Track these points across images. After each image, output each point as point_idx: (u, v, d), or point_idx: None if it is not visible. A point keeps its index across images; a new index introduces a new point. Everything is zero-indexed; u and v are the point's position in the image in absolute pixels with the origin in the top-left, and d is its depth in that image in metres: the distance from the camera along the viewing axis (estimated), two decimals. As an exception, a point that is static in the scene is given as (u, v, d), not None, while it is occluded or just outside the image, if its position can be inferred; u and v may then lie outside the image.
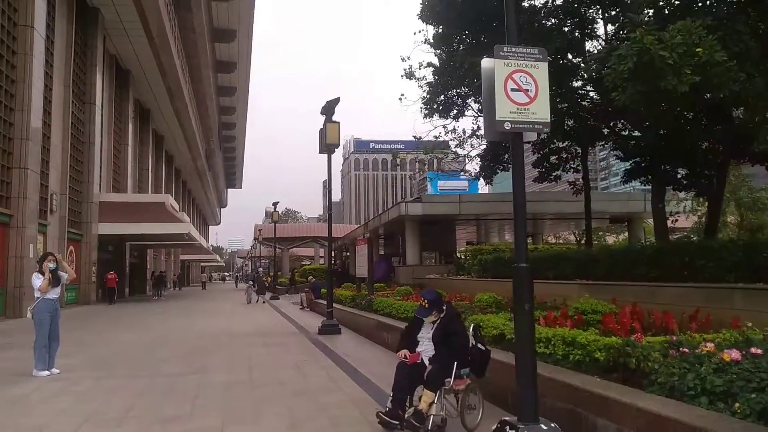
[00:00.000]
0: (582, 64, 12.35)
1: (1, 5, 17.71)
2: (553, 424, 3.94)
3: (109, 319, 18.56)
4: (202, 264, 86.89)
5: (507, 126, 4.24)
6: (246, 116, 68.18)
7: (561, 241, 46.61)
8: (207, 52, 42.58)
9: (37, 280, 7.82)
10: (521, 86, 4.32)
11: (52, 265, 7.89)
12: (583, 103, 13.58)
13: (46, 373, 7.73)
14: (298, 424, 5.14)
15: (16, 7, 18.69)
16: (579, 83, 13.14)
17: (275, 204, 32.37)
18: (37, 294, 7.85)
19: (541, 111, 4.33)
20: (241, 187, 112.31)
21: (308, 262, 79.06)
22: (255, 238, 59.22)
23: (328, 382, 7.07)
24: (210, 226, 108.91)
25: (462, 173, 18.96)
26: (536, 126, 4.34)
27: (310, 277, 30.81)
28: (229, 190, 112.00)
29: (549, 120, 4.41)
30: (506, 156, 15.13)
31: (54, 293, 7.96)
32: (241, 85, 56.70)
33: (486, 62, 4.46)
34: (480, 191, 52.50)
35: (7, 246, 18.36)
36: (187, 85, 39.52)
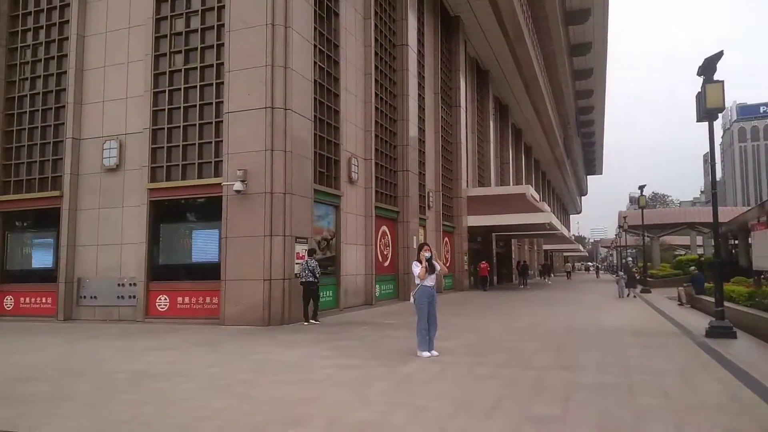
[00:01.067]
0: None
1: (384, 30, 20.54)
2: None
3: (480, 305, 19.73)
4: (565, 254, 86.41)
5: None
6: (604, 98, 64.81)
7: None
8: (560, 38, 41.85)
9: (416, 268, 8.57)
10: None
11: (427, 254, 8.54)
12: None
13: (427, 354, 8.39)
14: (694, 450, 4.19)
15: (394, 30, 21.47)
16: None
17: (641, 188, 29.62)
18: (416, 281, 8.61)
19: None
20: (601, 173, 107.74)
21: (683, 252, 70.73)
22: (620, 226, 55.73)
23: (727, 400, 5.75)
24: (570, 215, 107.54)
25: None
26: None
27: (693, 267, 27.15)
28: (588, 177, 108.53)
29: None
30: None
31: (430, 280, 8.59)
32: (598, 65, 54.03)
33: None
34: None
35: (396, 237, 21.32)
36: (542, 75, 39.57)
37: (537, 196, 32.95)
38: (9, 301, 16.20)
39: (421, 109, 24.14)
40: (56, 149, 15.85)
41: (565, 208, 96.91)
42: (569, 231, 66.90)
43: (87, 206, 15.38)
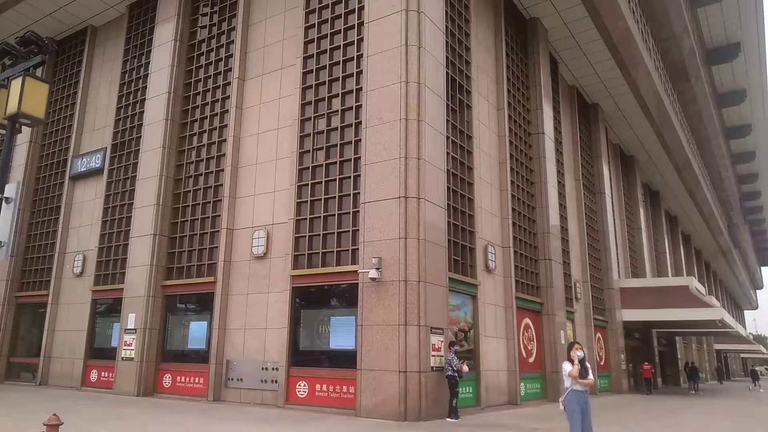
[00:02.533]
0: None
1: (518, 119, 20.47)
2: None
3: (645, 413, 17.46)
4: (742, 355, 75.64)
5: None
6: (773, 181, 58.34)
7: None
8: (714, 120, 38.99)
9: (566, 367, 7.72)
10: None
11: (580, 354, 7.68)
12: None
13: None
14: None
15: (529, 119, 21.32)
16: None
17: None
18: (566, 383, 7.71)
19: None
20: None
21: None
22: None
23: None
24: (744, 311, 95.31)
25: None
26: None
27: None
28: (763, 268, 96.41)
29: None
30: None
31: (583, 385, 7.66)
32: (762, 148, 49.17)
33: None
34: None
35: (541, 331, 19.93)
36: (696, 159, 36.84)
37: (702, 289, 29.59)
38: (167, 379, 17.30)
39: (562, 196, 23.23)
40: (213, 239, 17.29)
41: (737, 303, 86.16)
42: (745, 329, 58.77)
43: (237, 291, 16.34)
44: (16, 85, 11.08)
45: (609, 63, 24.53)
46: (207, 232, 17.45)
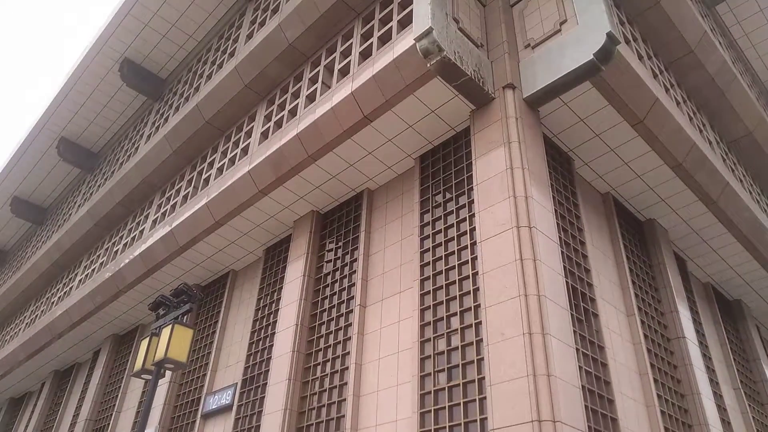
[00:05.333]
0: None
1: (653, 324, 19.00)
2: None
3: None
4: None
5: None
6: None
7: None
8: None
9: None
10: None
11: None
12: None
13: None
14: None
15: (665, 323, 19.75)
16: None
17: None
18: None
19: None
20: None
21: None
22: None
23: None
24: None
25: None
26: None
27: None
28: None
29: None
30: None
31: None
32: None
33: None
34: None
35: None
36: None
37: None
38: None
39: (721, 409, 20.16)
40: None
41: None
42: None
43: None
44: (165, 332, 12.19)
45: (744, 255, 22.98)
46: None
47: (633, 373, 16.92)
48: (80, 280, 31.95)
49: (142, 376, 12.95)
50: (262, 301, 23.32)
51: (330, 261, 21.10)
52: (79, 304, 30.38)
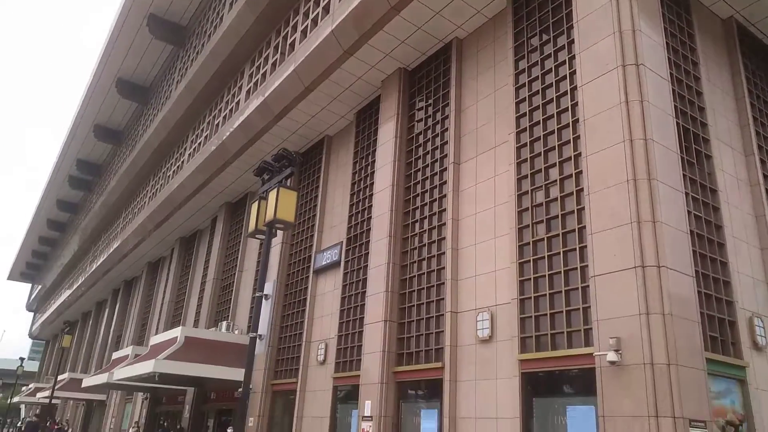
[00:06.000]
0: None
1: None
2: None
3: None
4: None
5: None
6: None
7: None
8: None
9: None
10: None
11: None
12: None
13: None
14: None
15: None
16: None
17: None
18: None
19: None
20: None
21: None
22: None
23: None
24: None
25: None
26: None
27: None
28: None
29: None
30: None
31: None
32: None
33: None
34: None
35: None
36: None
37: None
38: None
39: None
40: (438, 323, 17.26)
41: None
42: None
43: (464, 378, 15.87)
44: (272, 196, 12.88)
45: None
46: (432, 317, 17.53)
47: (748, 215, 15.83)
48: (189, 155, 33.95)
49: (256, 236, 13.85)
50: (357, 164, 23.73)
51: (421, 120, 20.70)
52: (192, 177, 32.58)
